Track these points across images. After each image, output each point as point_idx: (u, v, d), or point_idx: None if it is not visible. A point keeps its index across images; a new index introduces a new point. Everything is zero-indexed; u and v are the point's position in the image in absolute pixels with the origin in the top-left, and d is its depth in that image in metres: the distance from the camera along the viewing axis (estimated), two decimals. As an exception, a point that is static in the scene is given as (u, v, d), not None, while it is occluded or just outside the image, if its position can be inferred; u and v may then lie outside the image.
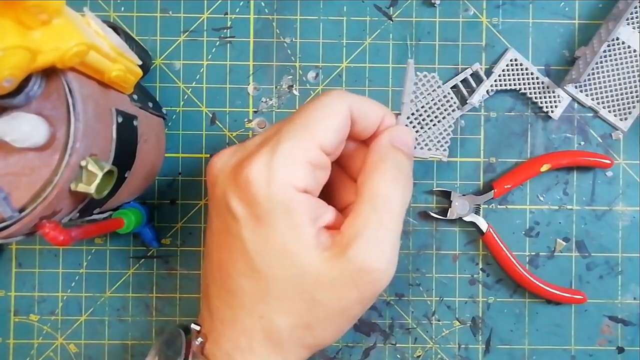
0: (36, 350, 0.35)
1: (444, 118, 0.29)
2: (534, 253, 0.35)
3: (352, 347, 0.35)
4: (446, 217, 0.34)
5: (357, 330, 0.35)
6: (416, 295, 0.35)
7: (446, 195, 0.35)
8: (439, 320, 0.35)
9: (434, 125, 0.29)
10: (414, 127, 0.29)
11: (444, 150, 0.29)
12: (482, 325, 0.35)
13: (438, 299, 0.35)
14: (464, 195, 0.34)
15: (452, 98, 0.28)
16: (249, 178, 0.23)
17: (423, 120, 0.29)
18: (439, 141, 0.29)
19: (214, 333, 0.26)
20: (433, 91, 0.28)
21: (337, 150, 0.25)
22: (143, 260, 0.35)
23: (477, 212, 0.34)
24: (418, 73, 0.28)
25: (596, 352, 0.35)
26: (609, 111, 0.35)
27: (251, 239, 0.24)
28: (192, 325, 0.28)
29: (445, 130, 0.29)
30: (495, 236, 0.34)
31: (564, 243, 0.35)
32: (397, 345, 0.35)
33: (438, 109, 0.29)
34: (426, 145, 0.29)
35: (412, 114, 0.28)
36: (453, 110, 0.29)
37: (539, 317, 0.35)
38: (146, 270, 0.35)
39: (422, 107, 0.29)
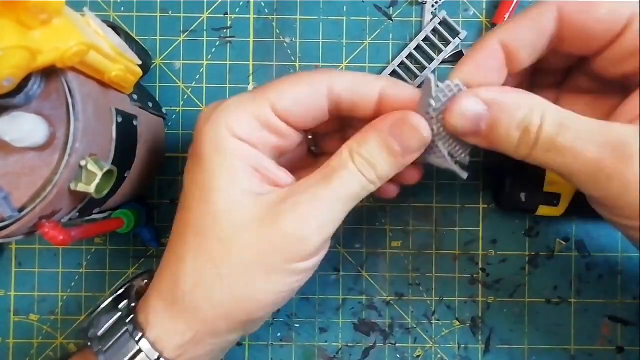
0: (36, 350, 0.35)
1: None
2: (533, 253, 0.35)
3: (352, 347, 0.35)
4: None
5: (357, 330, 0.35)
6: (416, 295, 0.35)
7: (459, 56, 0.34)
8: (438, 320, 0.35)
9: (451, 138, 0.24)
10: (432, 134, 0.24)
11: (465, 164, 0.25)
12: (482, 325, 0.35)
13: (438, 299, 0.35)
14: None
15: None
16: (199, 116, 0.25)
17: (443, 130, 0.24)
18: (458, 155, 0.25)
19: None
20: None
21: (302, 122, 0.25)
22: (143, 260, 0.35)
23: None
24: (439, 84, 0.23)
25: (596, 352, 0.35)
26: None
27: (187, 174, 0.25)
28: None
29: (464, 145, 0.25)
30: None
31: (564, 243, 0.35)
32: (397, 345, 0.35)
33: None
34: (443, 156, 0.25)
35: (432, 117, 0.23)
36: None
37: (539, 317, 0.35)
38: (146, 270, 0.35)
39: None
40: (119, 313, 0.26)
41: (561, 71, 0.28)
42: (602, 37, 0.23)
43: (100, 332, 0.25)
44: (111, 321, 0.25)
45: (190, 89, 0.35)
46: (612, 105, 0.26)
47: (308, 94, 0.24)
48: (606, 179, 0.22)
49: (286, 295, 0.25)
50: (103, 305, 0.27)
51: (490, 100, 0.23)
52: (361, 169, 0.23)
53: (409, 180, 0.28)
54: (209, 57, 0.35)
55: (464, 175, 0.25)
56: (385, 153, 0.23)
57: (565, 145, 0.22)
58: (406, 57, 0.34)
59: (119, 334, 0.24)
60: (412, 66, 0.35)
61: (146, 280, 0.28)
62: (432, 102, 0.23)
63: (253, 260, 0.23)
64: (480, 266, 0.35)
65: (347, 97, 0.24)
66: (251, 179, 0.23)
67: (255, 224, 0.23)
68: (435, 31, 0.35)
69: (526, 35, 0.24)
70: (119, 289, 0.27)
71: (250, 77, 0.35)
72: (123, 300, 0.26)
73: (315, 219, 0.23)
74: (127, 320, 0.25)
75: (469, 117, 0.23)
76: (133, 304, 0.26)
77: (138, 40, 0.31)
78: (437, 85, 0.23)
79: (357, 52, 0.35)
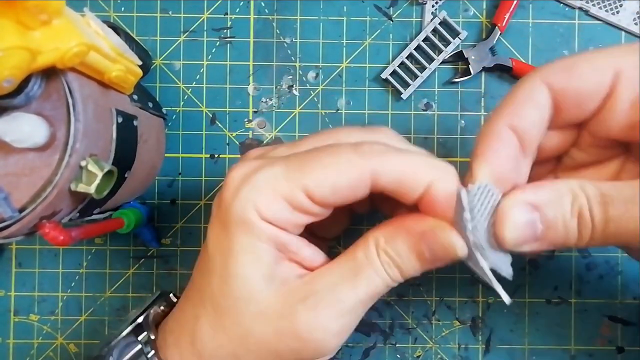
0: (36, 350, 0.35)
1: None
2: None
3: (352, 347, 0.35)
4: (471, 74, 0.34)
5: (357, 330, 0.35)
6: (416, 295, 0.35)
7: (459, 56, 0.34)
8: (439, 320, 0.35)
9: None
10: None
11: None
12: (482, 325, 0.35)
13: (438, 299, 0.35)
14: (473, 46, 0.34)
15: None
16: (227, 180, 0.23)
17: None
18: (500, 267, 0.23)
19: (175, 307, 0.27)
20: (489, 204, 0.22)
21: (338, 203, 0.23)
22: (143, 260, 0.35)
23: (493, 53, 0.34)
24: (470, 189, 0.21)
25: (596, 352, 0.35)
26: (599, 8, 0.35)
27: (213, 239, 0.24)
28: (171, 295, 0.29)
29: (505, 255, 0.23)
30: (522, 60, 0.34)
31: (564, 243, 0.35)
32: (397, 345, 0.35)
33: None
34: (482, 268, 0.22)
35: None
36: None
37: (539, 317, 0.35)
38: (146, 270, 0.35)
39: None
40: (139, 346, 0.25)
41: (555, 151, 0.26)
42: (595, 96, 0.22)
43: None
44: (130, 354, 0.25)
45: (190, 89, 0.35)
46: (612, 173, 0.25)
47: (349, 184, 0.21)
48: None
49: None
50: (123, 335, 0.26)
51: (537, 202, 0.21)
52: (387, 269, 0.23)
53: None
54: (209, 57, 0.35)
55: (508, 299, 0.22)
56: (413, 257, 0.22)
57: (618, 214, 0.20)
58: (406, 57, 0.34)
59: None
60: (412, 66, 0.35)
61: (162, 307, 0.28)
62: (467, 216, 0.21)
63: (268, 354, 0.23)
64: (481, 266, 0.35)
65: (391, 188, 0.22)
66: (274, 261, 0.23)
67: (274, 318, 0.22)
68: (435, 31, 0.35)
69: (530, 114, 0.23)
70: (137, 317, 0.27)
71: (251, 78, 0.35)
72: (141, 330, 0.26)
73: (336, 323, 0.23)
74: (148, 357, 0.25)
75: (523, 226, 0.21)
76: (152, 337, 0.26)
77: (138, 41, 0.31)
78: (469, 193, 0.21)
79: (357, 52, 0.35)
